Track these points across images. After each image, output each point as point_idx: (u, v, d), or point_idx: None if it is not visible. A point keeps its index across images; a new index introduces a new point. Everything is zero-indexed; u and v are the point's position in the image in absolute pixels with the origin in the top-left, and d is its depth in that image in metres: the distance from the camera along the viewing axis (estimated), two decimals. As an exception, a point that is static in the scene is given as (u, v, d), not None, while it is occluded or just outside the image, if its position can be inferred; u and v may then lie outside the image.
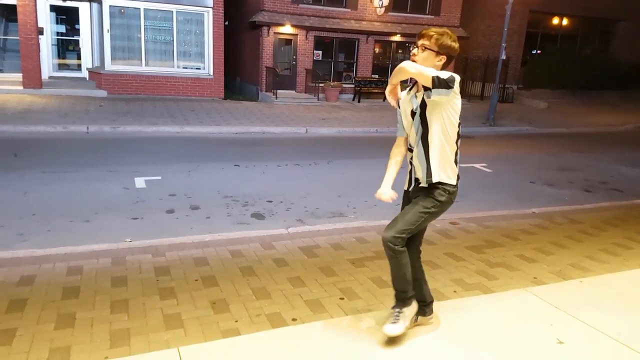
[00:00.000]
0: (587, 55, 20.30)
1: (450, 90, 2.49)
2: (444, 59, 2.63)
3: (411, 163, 2.82)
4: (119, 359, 2.67)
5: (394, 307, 2.88)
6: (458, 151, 2.76)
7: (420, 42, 2.61)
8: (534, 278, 4.13)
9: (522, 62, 21.10)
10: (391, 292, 3.74)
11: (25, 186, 6.32)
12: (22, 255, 4.13)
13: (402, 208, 2.89)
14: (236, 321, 3.25)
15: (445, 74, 2.47)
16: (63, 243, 4.55)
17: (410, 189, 2.87)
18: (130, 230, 5.06)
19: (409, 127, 2.77)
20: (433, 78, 2.43)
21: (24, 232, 4.90)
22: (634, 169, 9.57)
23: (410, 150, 2.81)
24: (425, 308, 3.02)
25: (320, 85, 16.60)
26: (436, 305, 3.41)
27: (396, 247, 2.69)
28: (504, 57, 14.62)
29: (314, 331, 2.93)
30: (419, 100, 2.66)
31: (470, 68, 20.09)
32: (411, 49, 2.70)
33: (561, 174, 8.85)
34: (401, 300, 2.86)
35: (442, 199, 2.71)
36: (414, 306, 2.89)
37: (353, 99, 17.33)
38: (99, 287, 3.66)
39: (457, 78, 2.51)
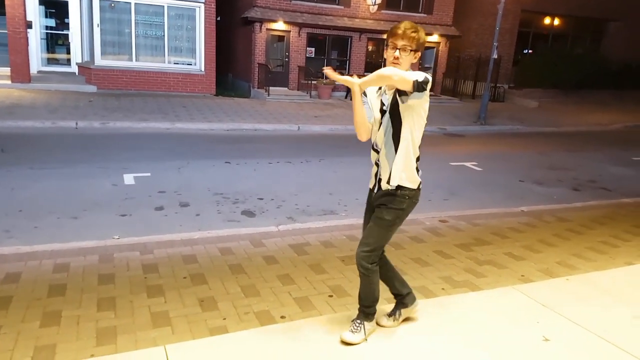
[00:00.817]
0: (578, 54, 20.45)
1: (424, 92, 2.46)
2: (419, 55, 2.60)
3: (377, 164, 2.72)
4: (105, 357, 2.65)
5: (355, 320, 2.89)
6: (419, 157, 2.73)
7: (401, 44, 2.50)
8: (522, 276, 4.16)
9: (514, 61, 21.21)
10: (381, 289, 3.78)
11: (13, 182, 6.25)
12: (7, 252, 4.09)
13: (366, 208, 2.88)
14: (224, 319, 3.24)
15: (420, 76, 2.41)
16: (50, 240, 4.51)
17: (374, 190, 2.76)
18: (118, 228, 5.03)
19: (377, 125, 2.67)
20: (413, 83, 2.38)
21: (10, 228, 4.84)
22: (622, 167, 9.66)
23: (376, 151, 2.71)
24: (405, 300, 3.01)
25: (313, 82, 16.58)
26: (424, 303, 3.43)
27: (370, 265, 2.74)
28: (495, 56, 14.68)
29: (301, 328, 2.93)
30: (390, 98, 2.59)
31: (462, 67, 20.16)
32: (390, 50, 2.53)
33: (551, 172, 8.91)
34: (365, 315, 2.88)
35: (404, 206, 2.68)
36: (374, 323, 2.93)
37: (345, 97, 17.32)
38: (85, 284, 3.63)
39: (430, 78, 2.47)
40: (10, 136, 8.96)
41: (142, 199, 6.03)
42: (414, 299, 3.05)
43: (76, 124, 10.34)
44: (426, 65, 19.65)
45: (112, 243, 4.50)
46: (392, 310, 3.03)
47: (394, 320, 3.00)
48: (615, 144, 12.66)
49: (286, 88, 16.97)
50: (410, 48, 2.51)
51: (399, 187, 2.63)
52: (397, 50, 2.50)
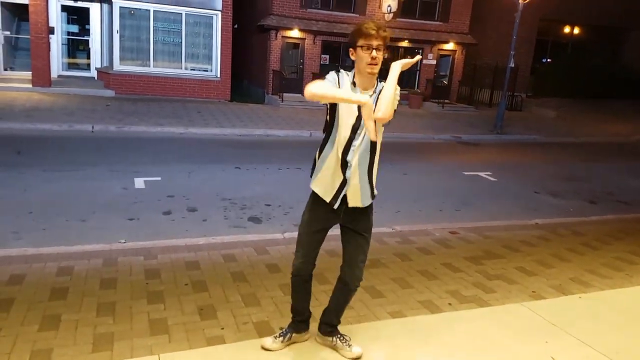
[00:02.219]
0: (598, 63, 20.09)
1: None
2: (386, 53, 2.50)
3: (345, 178, 2.52)
4: (99, 364, 2.62)
5: (339, 336, 2.90)
6: None
7: (376, 44, 2.38)
8: (533, 292, 4.03)
9: (532, 70, 20.94)
10: (384, 302, 3.70)
11: (25, 184, 6.32)
12: (14, 254, 4.11)
13: (314, 220, 2.67)
14: (222, 328, 3.18)
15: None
16: (57, 242, 4.53)
17: (336, 207, 2.57)
18: (125, 231, 5.03)
19: (349, 132, 2.46)
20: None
21: (19, 230, 4.88)
22: (642, 181, 9.41)
23: (345, 163, 2.51)
24: (301, 324, 2.91)
25: (327, 89, 16.56)
26: (428, 319, 3.34)
27: (360, 282, 2.80)
28: (512, 64, 14.50)
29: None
30: (374, 98, 2.46)
31: (479, 75, 19.97)
32: (364, 52, 2.38)
33: (567, 184, 8.71)
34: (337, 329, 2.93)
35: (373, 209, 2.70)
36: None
37: (360, 104, 17.26)
38: (87, 288, 3.61)
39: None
40: (28, 139, 9.10)
41: (151, 203, 6.04)
42: (307, 327, 2.95)
43: (92, 127, 10.46)
44: (442, 73, 19.52)
45: (117, 247, 4.50)
46: (284, 331, 2.89)
47: (281, 342, 2.85)
48: (634, 156, 12.35)
49: (300, 94, 16.97)
50: (383, 47, 2.42)
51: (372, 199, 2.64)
52: (374, 51, 2.38)
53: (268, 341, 2.86)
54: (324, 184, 2.59)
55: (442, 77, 19.62)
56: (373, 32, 2.37)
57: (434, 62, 18.86)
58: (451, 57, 19.18)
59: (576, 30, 21.89)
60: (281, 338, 2.86)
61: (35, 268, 3.88)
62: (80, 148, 8.82)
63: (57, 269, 3.89)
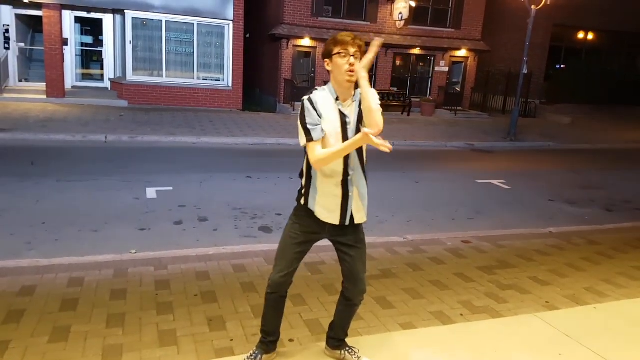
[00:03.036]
0: (612, 69, 19.83)
1: None
2: None
3: (348, 192, 2.50)
4: (107, 377, 2.61)
5: (347, 348, 2.86)
6: None
7: (353, 51, 2.34)
8: (546, 302, 3.94)
9: (546, 76, 20.73)
10: (395, 313, 3.65)
11: (39, 194, 6.40)
12: (25, 265, 4.15)
13: (300, 234, 2.59)
14: (231, 340, 3.17)
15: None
16: (69, 253, 4.56)
17: (347, 224, 2.54)
18: (136, 241, 5.05)
19: (339, 142, 2.41)
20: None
21: (32, 240, 4.93)
22: (660, 188, 9.22)
23: (347, 175, 2.48)
24: (272, 345, 2.82)
25: (338, 97, 16.58)
26: (438, 331, 3.28)
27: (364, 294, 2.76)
28: (525, 71, 14.36)
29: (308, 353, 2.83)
30: (356, 110, 2.43)
31: (492, 82, 19.84)
32: (342, 59, 2.34)
33: (583, 192, 8.57)
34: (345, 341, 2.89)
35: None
36: None
37: (371, 112, 17.23)
38: (97, 299, 3.63)
39: None
40: (42, 149, 9.24)
41: (163, 213, 6.07)
42: (276, 348, 2.87)
43: (105, 137, 10.58)
44: (454, 80, 19.43)
45: (128, 257, 4.51)
46: (254, 353, 2.78)
47: None
48: (652, 163, 12.12)
49: (312, 103, 17.02)
50: (359, 56, 2.37)
51: None
52: (351, 57, 2.34)
53: None
54: (320, 206, 2.54)
55: (455, 84, 19.52)
56: (349, 39, 2.35)
57: (446, 69, 18.79)
58: (463, 64, 19.09)
59: (590, 36, 21.65)
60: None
61: (47, 279, 3.91)
62: (93, 158, 8.92)
63: (68, 280, 3.91)
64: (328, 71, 2.44)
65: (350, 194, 2.51)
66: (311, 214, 2.55)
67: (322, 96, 2.43)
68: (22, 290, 3.69)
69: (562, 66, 21.52)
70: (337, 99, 2.43)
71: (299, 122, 2.41)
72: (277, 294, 2.70)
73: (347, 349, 2.86)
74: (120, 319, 3.35)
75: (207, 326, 3.33)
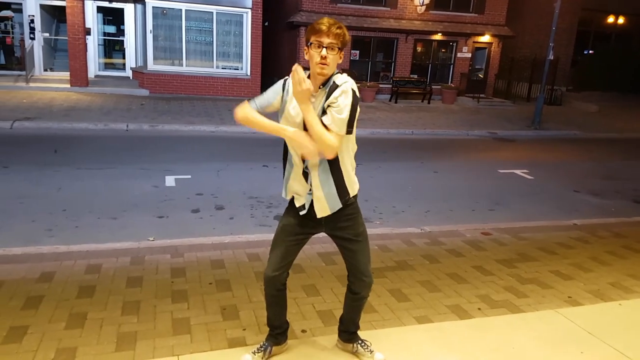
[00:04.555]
0: (644, 55, 19.14)
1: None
2: (342, 54, 2.32)
3: (310, 190, 2.43)
4: (121, 364, 2.63)
5: (360, 342, 2.81)
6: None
7: (327, 42, 2.19)
8: (568, 297, 3.82)
9: (572, 62, 20.12)
10: (410, 306, 3.59)
11: (60, 182, 6.50)
12: (45, 251, 4.21)
13: (289, 226, 2.54)
14: (244, 329, 3.15)
15: (343, 120, 2.21)
16: (88, 240, 4.62)
17: (301, 214, 2.49)
18: (154, 229, 5.09)
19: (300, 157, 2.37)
20: (336, 147, 2.24)
21: (53, 227, 5.01)
22: (691, 179, 8.87)
23: (306, 176, 2.41)
24: (281, 336, 2.80)
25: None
26: (454, 325, 3.21)
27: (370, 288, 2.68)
28: (551, 57, 13.94)
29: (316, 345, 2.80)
30: (322, 98, 2.28)
31: (517, 68, 19.36)
32: (315, 50, 2.21)
33: (609, 182, 8.30)
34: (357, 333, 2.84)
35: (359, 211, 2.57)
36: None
37: (390, 100, 17.04)
38: (114, 286, 3.66)
39: (354, 85, 2.27)
40: (65, 137, 9.39)
41: (181, 201, 6.10)
42: (286, 338, 2.84)
43: (127, 126, 10.70)
44: (477, 67, 19.02)
45: (145, 245, 4.55)
46: (264, 345, 2.76)
47: (261, 358, 2.73)
48: (684, 152, 11.67)
49: (331, 91, 16.89)
50: (337, 46, 2.22)
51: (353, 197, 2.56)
52: (324, 49, 2.20)
53: (247, 358, 2.73)
54: (292, 192, 2.52)
55: (478, 71, 19.12)
56: (324, 28, 2.19)
57: (469, 55, 18.39)
58: (487, 49, 18.65)
59: (620, 20, 20.88)
60: (261, 353, 2.74)
61: (65, 265, 3.96)
62: (114, 147, 9.02)
63: (86, 267, 3.95)
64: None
65: (310, 188, 2.43)
66: (294, 205, 2.51)
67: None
68: (41, 277, 3.74)
69: (590, 52, 20.85)
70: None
71: None
72: (272, 289, 2.63)
73: (360, 342, 2.82)
74: (136, 307, 3.38)
75: (221, 315, 3.33)
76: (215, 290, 3.68)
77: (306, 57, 2.30)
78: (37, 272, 3.82)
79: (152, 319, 3.24)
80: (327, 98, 2.26)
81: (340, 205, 2.45)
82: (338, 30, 2.21)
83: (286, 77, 2.35)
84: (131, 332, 3.06)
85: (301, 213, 2.48)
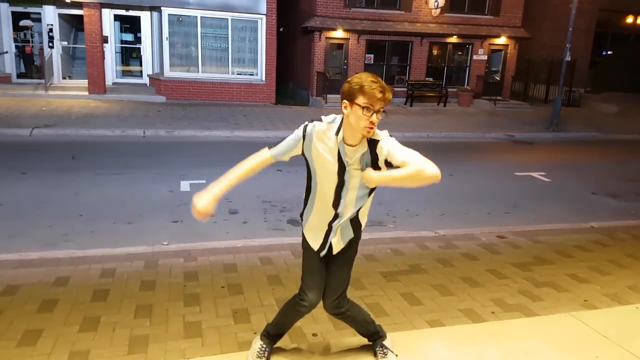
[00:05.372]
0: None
1: None
2: None
3: (331, 229, 2.46)
4: (132, 367, 2.66)
5: (381, 346, 2.79)
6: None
7: (378, 107, 2.16)
8: (585, 301, 3.74)
9: (591, 63, 19.78)
10: (422, 310, 3.55)
11: (78, 187, 6.62)
12: (61, 256, 4.28)
13: (314, 256, 2.56)
14: (255, 333, 3.15)
15: (395, 146, 2.29)
16: (103, 244, 4.69)
17: (322, 255, 2.53)
18: (168, 234, 5.15)
19: (334, 195, 2.38)
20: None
21: (69, 232, 5.10)
22: None
23: (335, 216, 2.43)
24: (279, 337, 2.82)
25: (372, 89, 16.37)
26: (467, 329, 3.17)
27: (346, 306, 2.65)
28: (568, 58, 13.74)
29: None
30: (360, 154, 2.29)
31: (534, 70, 19.12)
32: (365, 113, 2.15)
33: (629, 184, 8.13)
34: (381, 338, 2.80)
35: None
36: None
37: (405, 103, 16.96)
38: (127, 290, 3.70)
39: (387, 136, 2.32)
40: (83, 144, 9.56)
41: (195, 206, 6.14)
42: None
43: (144, 132, 10.85)
44: (493, 69, 18.83)
45: (159, 249, 4.60)
46: (263, 349, 2.75)
47: None
48: None
49: (345, 95, 16.87)
50: (384, 109, 2.20)
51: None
52: (374, 115, 2.16)
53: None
54: (312, 233, 2.55)
55: (494, 73, 18.92)
56: (379, 94, 2.13)
57: (485, 57, 18.22)
58: (503, 51, 18.46)
59: (639, 21, 20.49)
60: (264, 358, 2.74)
61: (80, 270, 4.03)
62: (131, 152, 9.16)
63: (101, 271, 4.01)
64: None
65: (333, 229, 2.46)
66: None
67: (324, 131, 2.30)
68: (56, 281, 3.81)
69: (608, 53, 20.47)
70: (341, 137, 2.27)
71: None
72: (310, 308, 2.64)
73: (379, 347, 2.78)
74: (148, 310, 3.41)
75: (232, 318, 3.34)
76: (228, 294, 3.70)
77: (344, 110, 2.23)
78: (52, 276, 3.89)
79: (164, 322, 3.27)
80: (371, 152, 2.28)
81: (353, 236, 2.52)
82: (390, 96, 2.19)
83: (306, 123, 2.35)
84: (143, 335, 3.10)
85: (322, 254, 2.52)
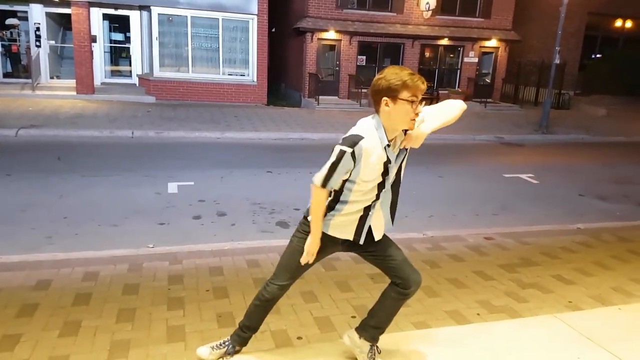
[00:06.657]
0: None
1: None
2: None
3: (368, 212, 2.43)
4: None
5: (376, 347, 2.74)
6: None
7: (420, 97, 2.25)
8: (569, 302, 3.76)
9: (580, 66, 19.95)
10: (408, 312, 3.54)
11: (63, 189, 6.54)
12: (43, 259, 4.22)
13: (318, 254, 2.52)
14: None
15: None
16: (87, 247, 4.63)
17: (361, 242, 2.49)
18: (155, 236, 5.09)
19: (377, 180, 2.38)
20: None
21: (53, 235, 5.03)
22: (701, 182, 8.72)
23: (368, 208, 2.43)
24: (249, 339, 2.78)
25: (363, 90, 16.38)
26: (453, 330, 3.16)
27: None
28: (557, 61, 13.84)
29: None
30: (397, 149, 2.37)
31: (524, 73, 19.24)
32: (410, 106, 2.23)
33: (616, 187, 8.19)
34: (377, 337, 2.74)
35: None
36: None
37: (397, 105, 16.97)
38: (110, 294, 3.65)
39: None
40: (70, 145, 9.46)
41: (182, 207, 6.10)
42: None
43: (132, 133, 10.76)
44: (484, 71, 18.93)
45: (144, 252, 4.55)
46: (226, 342, 2.74)
47: (221, 356, 2.71)
48: (695, 155, 11.49)
49: (336, 97, 16.89)
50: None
51: None
52: (418, 105, 2.25)
53: (203, 351, 2.70)
54: (342, 228, 2.48)
55: (485, 76, 19.02)
56: (422, 85, 2.22)
57: (476, 60, 18.31)
58: (494, 54, 18.56)
59: (628, 24, 20.68)
60: (221, 350, 2.70)
61: (63, 273, 3.97)
62: (119, 154, 9.07)
63: (84, 274, 3.96)
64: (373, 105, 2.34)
65: (370, 212, 2.43)
66: (328, 236, 2.50)
67: (372, 145, 2.28)
68: (37, 284, 3.75)
69: (597, 56, 20.67)
70: (387, 145, 2.30)
71: (330, 160, 2.30)
72: (273, 296, 2.65)
73: (377, 346, 2.74)
74: (131, 314, 3.37)
75: (216, 322, 3.31)
76: (213, 298, 3.67)
77: (386, 108, 2.25)
78: (34, 280, 3.83)
79: (147, 326, 3.23)
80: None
81: (392, 225, 2.55)
82: (425, 85, 2.28)
83: (351, 150, 2.26)
84: (125, 340, 3.05)
85: (361, 242, 2.48)
